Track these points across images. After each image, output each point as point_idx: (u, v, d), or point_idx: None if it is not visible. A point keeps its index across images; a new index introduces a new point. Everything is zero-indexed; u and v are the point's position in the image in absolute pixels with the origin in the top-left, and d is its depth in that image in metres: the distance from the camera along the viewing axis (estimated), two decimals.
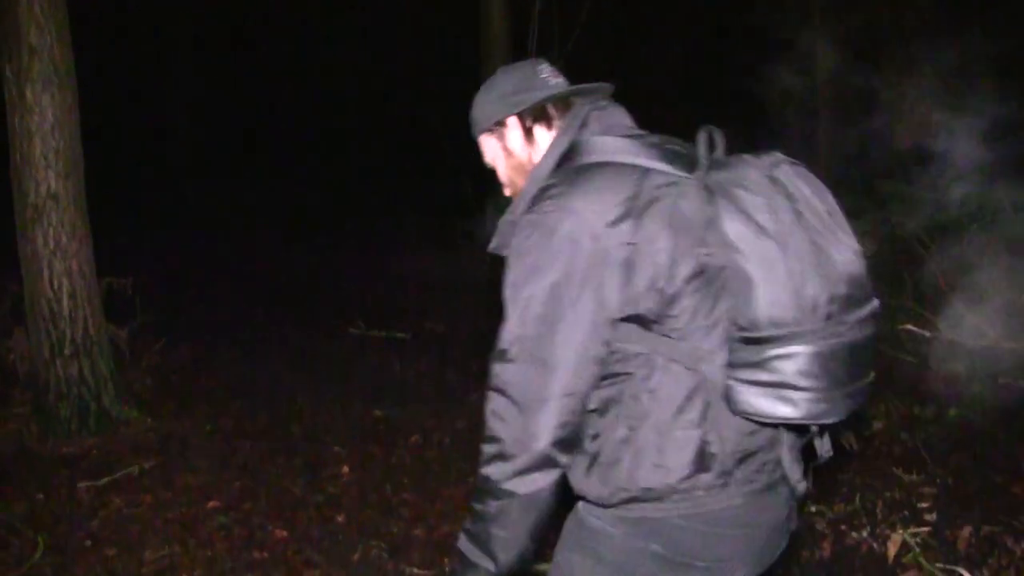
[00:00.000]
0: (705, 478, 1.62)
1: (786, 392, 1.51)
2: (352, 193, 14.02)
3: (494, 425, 1.66)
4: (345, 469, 4.88)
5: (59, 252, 5.30)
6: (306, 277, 7.82)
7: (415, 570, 3.83)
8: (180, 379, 6.32)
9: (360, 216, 12.88)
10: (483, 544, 1.70)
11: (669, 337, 1.61)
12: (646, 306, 1.60)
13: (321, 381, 6.30)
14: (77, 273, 5.37)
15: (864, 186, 6.49)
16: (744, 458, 1.65)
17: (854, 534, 3.81)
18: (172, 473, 4.77)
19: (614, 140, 1.72)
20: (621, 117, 1.84)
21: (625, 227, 1.57)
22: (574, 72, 1.99)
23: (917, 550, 3.58)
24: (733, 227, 1.54)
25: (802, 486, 1.72)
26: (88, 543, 4.04)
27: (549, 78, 1.87)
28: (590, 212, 1.58)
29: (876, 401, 4.78)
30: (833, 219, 1.58)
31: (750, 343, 1.54)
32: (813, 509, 3.98)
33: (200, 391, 6.09)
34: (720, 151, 1.69)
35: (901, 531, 3.70)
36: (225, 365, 6.67)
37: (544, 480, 1.64)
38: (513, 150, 1.86)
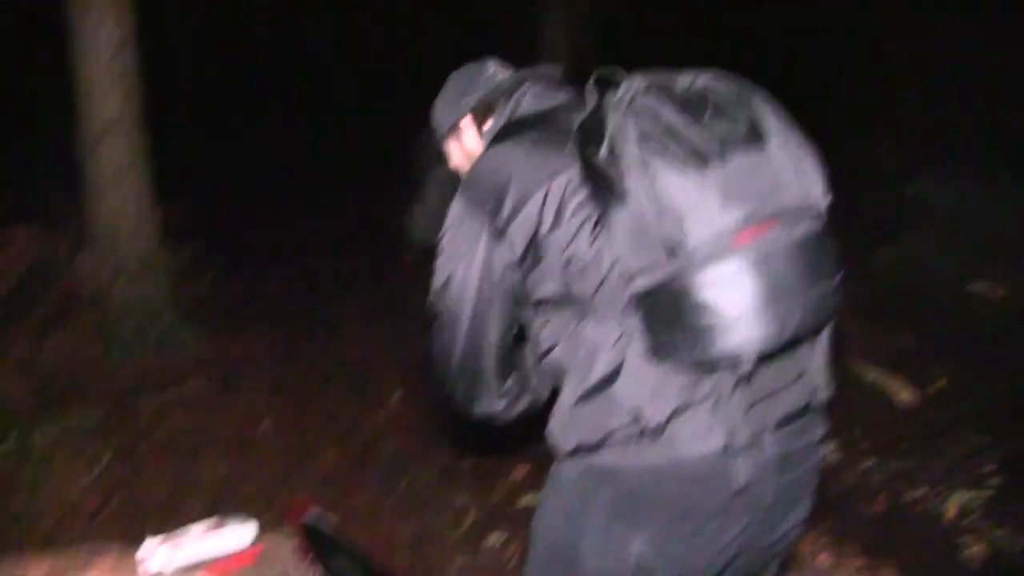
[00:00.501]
0: (632, 429, 1.56)
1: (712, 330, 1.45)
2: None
3: None
4: (398, 395, 4.95)
5: (120, 176, 5.39)
6: (360, 210, 7.84)
7: (462, 498, 3.91)
8: (235, 303, 6.40)
9: None
10: None
11: None
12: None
13: (374, 310, 6.35)
14: (137, 197, 5.46)
15: None
16: (680, 411, 1.55)
17: (911, 492, 3.71)
18: (228, 393, 4.89)
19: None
20: (553, 90, 1.83)
21: None
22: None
23: (976, 515, 3.47)
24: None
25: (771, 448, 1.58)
26: (150, 454, 4.19)
27: (496, 74, 1.89)
28: None
29: (943, 358, 4.63)
30: None
31: None
32: (870, 463, 3.93)
33: (255, 315, 6.18)
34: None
35: (961, 493, 3.59)
36: (279, 291, 6.74)
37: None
38: (472, 150, 1.88)
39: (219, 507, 3.65)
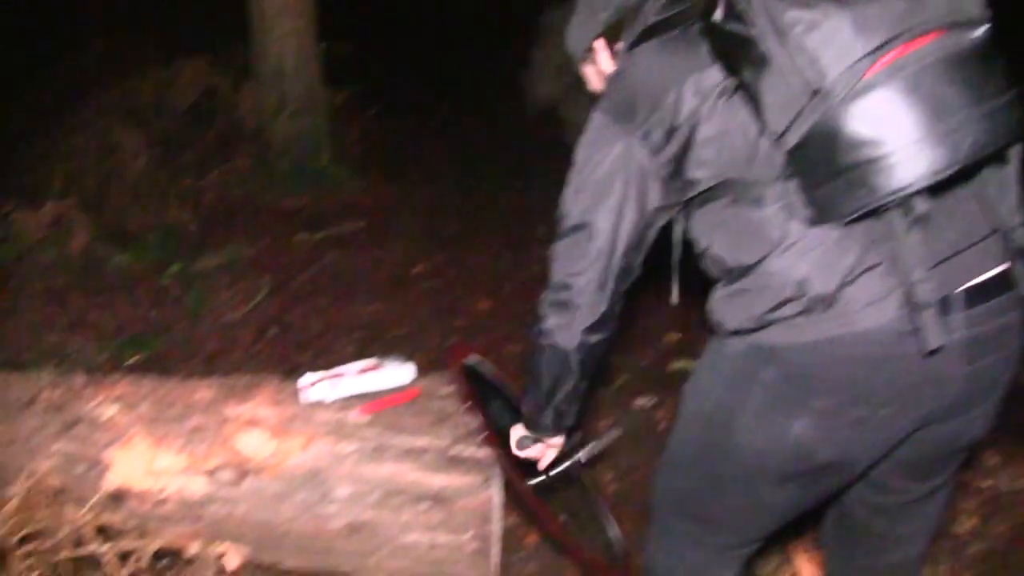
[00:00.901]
0: (800, 303, 1.42)
1: (872, 165, 1.26)
2: None
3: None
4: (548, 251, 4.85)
5: (286, 11, 5.35)
6: (519, 65, 7.62)
7: (613, 357, 3.81)
8: (392, 147, 6.38)
9: None
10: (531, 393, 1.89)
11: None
12: None
13: (531, 162, 6.21)
14: (301, 34, 5.43)
15: None
16: (852, 278, 1.40)
17: None
18: (381, 235, 4.89)
19: None
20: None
21: None
22: None
23: None
24: None
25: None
26: (305, 290, 4.24)
27: None
28: None
29: None
30: None
31: None
32: None
33: (411, 160, 6.15)
34: None
35: None
36: (436, 138, 6.67)
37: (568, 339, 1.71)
38: (607, 71, 1.75)
39: (371, 347, 3.68)
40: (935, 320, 1.33)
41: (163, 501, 2.40)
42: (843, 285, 1.39)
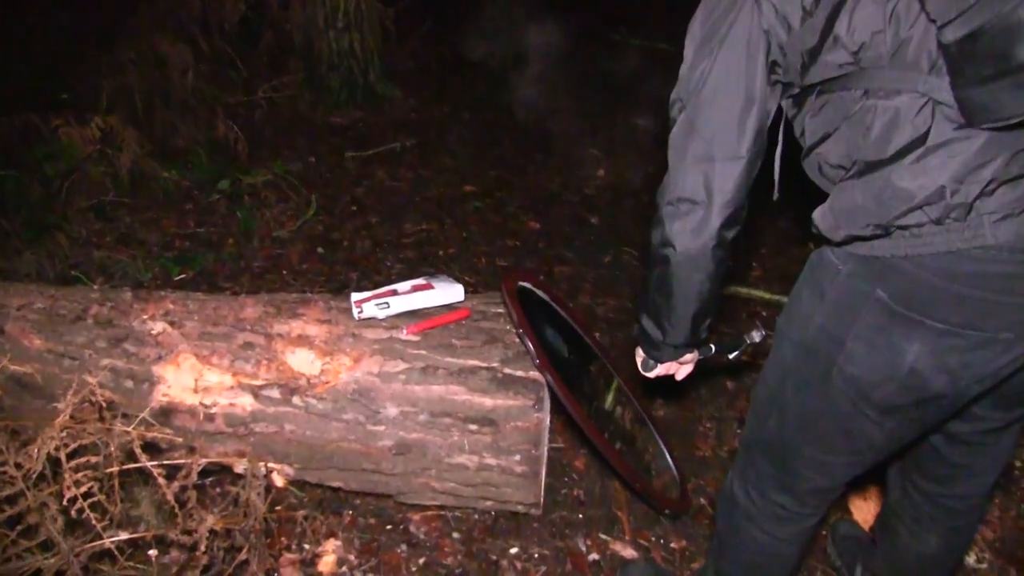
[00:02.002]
0: (932, 211, 1.30)
1: None
2: None
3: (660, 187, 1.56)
4: (601, 172, 4.74)
5: None
6: None
7: None
8: (442, 65, 6.26)
9: None
10: (653, 315, 1.71)
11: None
12: None
13: (581, 86, 6.06)
14: None
15: None
16: (991, 188, 1.28)
17: None
18: (431, 154, 4.81)
19: None
20: None
21: None
22: None
23: None
24: None
25: None
26: (354, 208, 4.19)
27: None
28: None
29: None
30: None
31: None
32: None
33: (460, 83, 6.02)
34: None
35: None
36: (487, 61, 6.51)
37: (700, 240, 1.51)
38: None
39: (419, 266, 3.63)
40: None
41: (211, 418, 2.39)
42: (981, 195, 1.28)
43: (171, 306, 2.54)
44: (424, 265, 3.74)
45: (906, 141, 1.28)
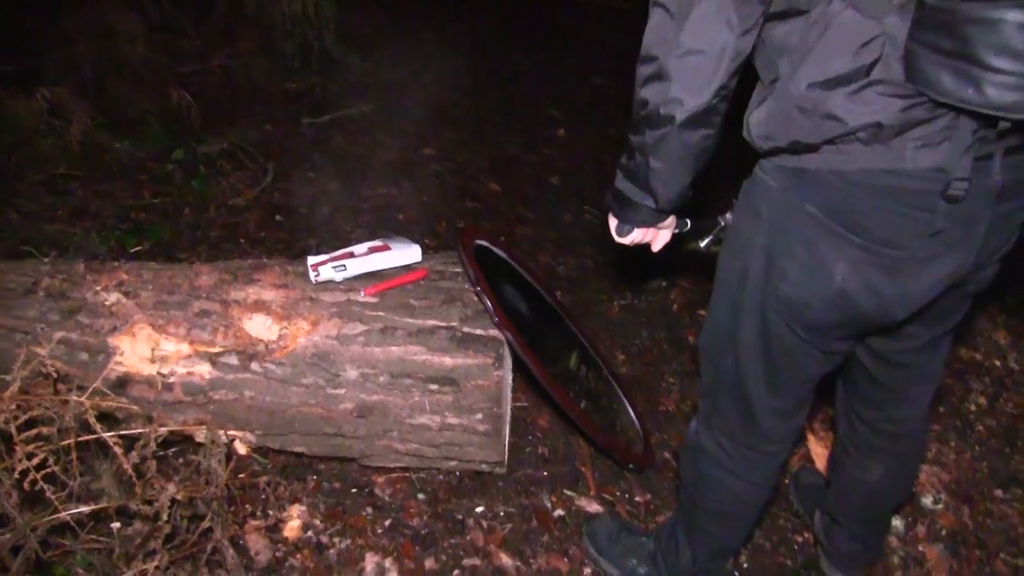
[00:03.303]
0: (861, 133, 1.33)
1: (972, 69, 1.18)
2: None
3: (650, 41, 1.41)
4: (561, 132, 4.72)
5: None
6: None
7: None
8: (399, 28, 6.16)
9: None
10: (641, 179, 1.58)
11: None
12: None
13: (540, 46, 6.03)
14: None
15: None
16: (918, 122, 1.31)
17: None
18: (389, 118, 4.75)
19: None
20: None
21: None
22: None
23: None
24: None
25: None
26: (311, 174, 4.13)
27: None
28: None
29: None
30: None
31: None
32: None
33: (418, 42, 5.94)
34: None
35: None
36: (445, 21, 6.44)
37: (709, 92, 1.41)
38: None
39: (379, 231, 3.60)
40: (974, 165, 1.31)
41: (169, 387, 2.36)
42: (908, 123, 1.31)
43: (125, 276, 2.50)
44: (384, 229, 3.70)
45: (856, 63, 1.29)
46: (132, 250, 3.52)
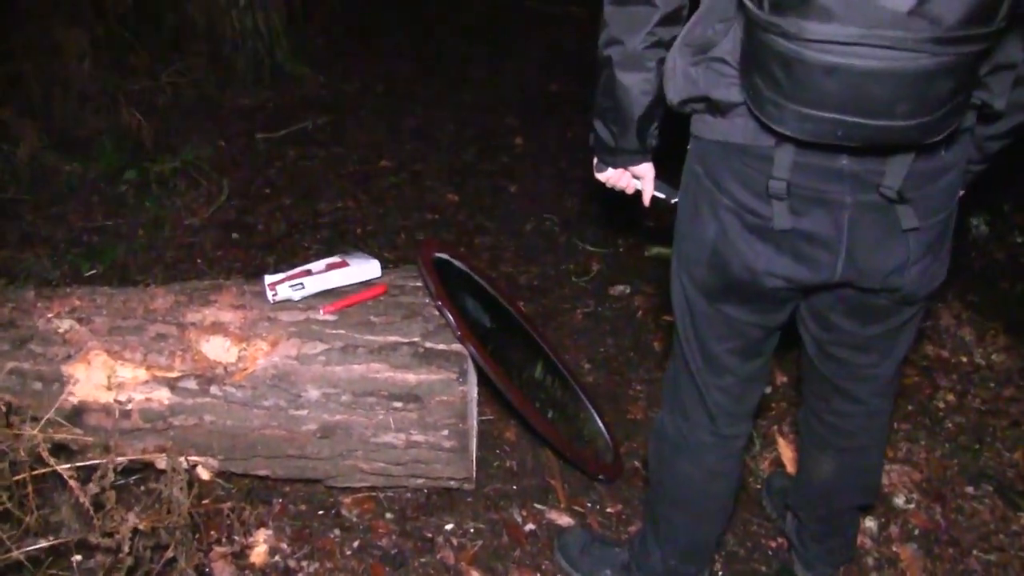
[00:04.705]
0: (720, 107, 1.46)
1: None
2: None
3: None
4: (519, 140, 4.71)
5: None
6: None
7: (587, 246, 3.72)
8: (352, 41, 6.13)
9: None
10: (602, 117, 1.70)
11: None
12: None
13: (495, 53, 6.01)
14: None
15: None
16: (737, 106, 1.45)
17: None
18: (344, 131, 4.72)
19: None
20: None
21: None
22: None
23: None
24: None
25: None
26: (267, 191, 4.09)
27: None
28: None
29: None
30: None
31: None
32: (1019, 240, 3.61)
33: (372, 54, 5.92)
34: None
35: None
36: (397, 30, 6.41)
37: (639, 36, 1.55)
38: None
39: (337, 246, 3.57)
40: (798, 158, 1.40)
41: (127, 414, 2.31)
42: (736, 107, 1.43)
43: (78, 302, 2.44)
44: (342, 244, 3.67)
45: (715, 38, 1.41)
46: (87, 274, 3.45)
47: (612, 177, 1.84)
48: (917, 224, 1.45)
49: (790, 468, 2.58)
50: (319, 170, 4.29)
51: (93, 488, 1.94)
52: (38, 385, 2.32)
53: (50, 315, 2.41)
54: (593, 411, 2.69)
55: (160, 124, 4.50)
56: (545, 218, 3.95)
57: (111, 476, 2.01)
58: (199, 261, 3.55)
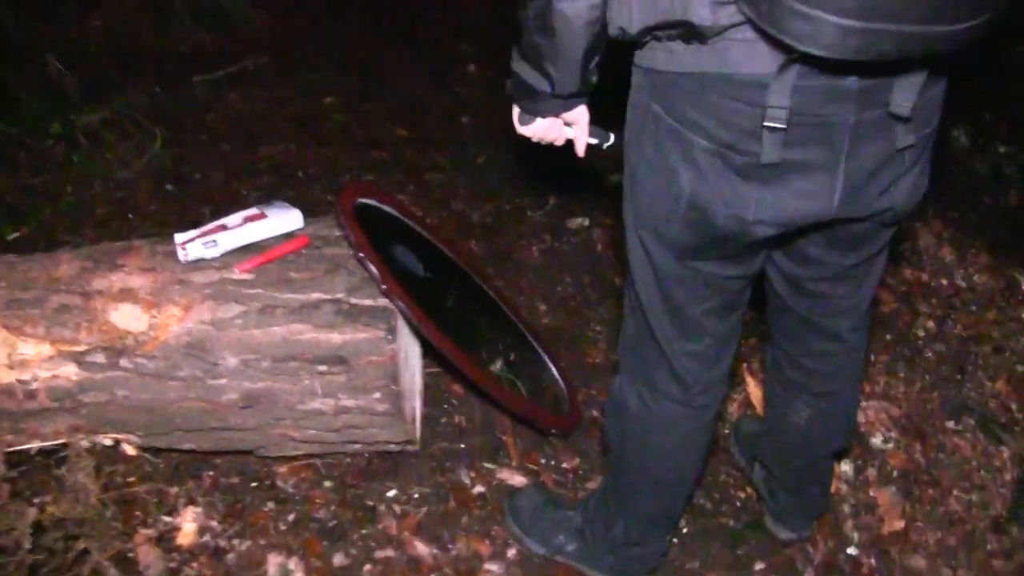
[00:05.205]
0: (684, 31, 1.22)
1: None
2: None
3: None
4: (472, 68, 4.44)
5: None
6: None
7: (546, 174, 3.50)
8: None
9: None
10: (533, 59, 1.42)
11: None
12: None
13: None
14: None
15: None
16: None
17: None
18: (288, 69, 4.43)
19: None
20: None
21: None
22: None
23: None
24: None
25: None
26: (204, 137, 3.84)
27: None
28: None
29: None
30: None
31: None
32: (1005, 150, 3.38)
33: None
34: None
35: None
36: None
37: None
38: None
39: (280, 192, 3.36)
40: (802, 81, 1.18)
41: (32, 394, 2.12)
42: (730, 29, 1.18)
43: None
44: (285, 189, 3.45)
45: None
46: (10, 237, 3.23)
47: (541, 129, 1.58)
48: (913, 141, 1.27)
49: (760, 410, 2.41)
50: (260, 112, 4.03)
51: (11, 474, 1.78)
52: None
53: None
54: (546, 357, 2.51)
55: (92, 72, 4.22)
56: (498, 152, 3.71)
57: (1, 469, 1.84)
58: (131, 216, 3.33)
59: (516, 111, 1.58)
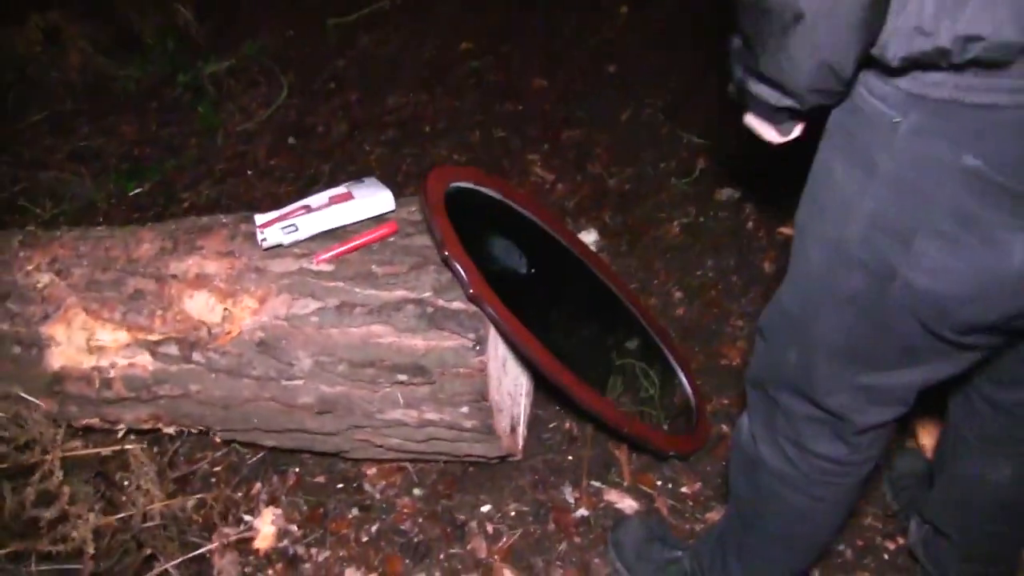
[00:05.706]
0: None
1: None
2: None
3: None
4: (624, 10, 4.03)
5: None
6: None
7: (693, 138, 3.11)
8: None
9: None
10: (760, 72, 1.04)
11: None
12: None
13: None
14: None
15: None
16: None
17: None
18: (423, 10, 4.17)
19: None
20: None
21: None
22: None
23: None
24: None
25: None
26: (332, 85, 3.66)
27: None
28: None
29: None
30: None
31: None
32: None
33: None
34: None
35: None
36: None
37: None
38: None
39: (403, 148, 3.14)
40: None
41: (108, 383, 2.00)
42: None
43: (60, 251, 2.13)
44: (408, 146, 3.22)
45: None
46: (132, 193, 3.17)
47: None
48: None
49: (921, 440, 2.02)
50: (392, 58, 3.81)
51: (31, 495, 1.65)
52: (17, 349, 2.05)
53: (30, 267, 2.11)
54: (674, 362, 2.19)
55: (220, 19, 4.10)
56: (646, 104, 3.34)
57: (59, 474, 1.71)
58: (250, 172, 3.20)
59: (766, 127, 1.16)
